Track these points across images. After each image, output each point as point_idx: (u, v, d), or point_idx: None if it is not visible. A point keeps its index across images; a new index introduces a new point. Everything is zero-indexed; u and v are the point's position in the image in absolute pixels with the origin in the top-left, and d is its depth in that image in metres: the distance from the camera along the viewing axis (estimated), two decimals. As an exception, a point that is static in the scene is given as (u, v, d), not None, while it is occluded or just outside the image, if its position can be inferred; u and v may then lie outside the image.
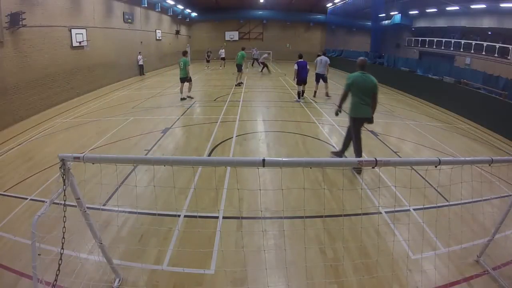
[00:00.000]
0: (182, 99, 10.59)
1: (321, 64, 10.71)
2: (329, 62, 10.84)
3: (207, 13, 29.32)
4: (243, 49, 14.50)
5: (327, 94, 11.39)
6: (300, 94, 10.53)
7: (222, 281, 2.74)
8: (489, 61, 15.73)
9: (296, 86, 10.57)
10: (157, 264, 2.91)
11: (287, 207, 3.92)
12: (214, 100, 10.96)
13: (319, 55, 10.97)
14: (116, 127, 7.43)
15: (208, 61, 22.75)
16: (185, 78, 10.45)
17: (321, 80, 11.01)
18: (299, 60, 10.18)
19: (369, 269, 2.88)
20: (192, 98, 10.87)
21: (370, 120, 5.05)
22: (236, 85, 13.66)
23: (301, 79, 10.14)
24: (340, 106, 5.36)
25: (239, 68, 13.94)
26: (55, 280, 2.06)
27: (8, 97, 7.92)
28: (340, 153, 5.48)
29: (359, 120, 5.05)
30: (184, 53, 10.52)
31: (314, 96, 11.25)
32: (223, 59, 22.35)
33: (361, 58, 5.15)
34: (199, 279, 2.78)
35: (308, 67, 10.22)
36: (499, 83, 9.98)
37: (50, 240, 2.29)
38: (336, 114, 5.52)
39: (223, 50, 22.92)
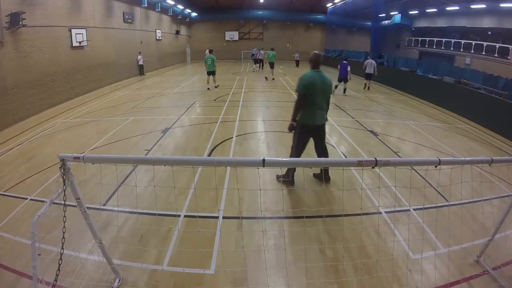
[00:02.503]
0: (208, 89, 12.59)
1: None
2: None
3: (207, 13, 29.32)
4: (272, 49, 16.74)
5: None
6: (344, 90, 12.46)
7: (222, 281, 2.74)
8: (489, 61, 15.72)
9: (337, 82, 12.38)
10: (157, 264, 2.91)
11: (287, 207, 3.92)
12: (214, 100, 10.96)
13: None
14: (116, 127, 7.43)
15: (257, 62, 21.62)
16: (213, 72, 12.36)
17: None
18: (343, 61, 12.08)
19: (369, 269, 2.88)
20: (217, 86, 12.77)
21: (323, 127, 4.31)
22: (272, 79, 15.80)
23: (340, 77, 12.15)
24: (295, 119, 4.15)
25: (272, 65, 16.15)
26: (55, 280, 2.06)
27: (8, 97, 7.92)
28: (289, 175, 4.46)
29: (312, 128, 4.17)
30: (211, 51, 12.76)
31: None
32: (260, 60, 21.46)
33: (316, 52, 4.18)
34: (199, 279, 2.78)
35: (349, 68, 11.90)
36: (499, 83, 10.00)
37: (50, 240, 2.29)
38: (291, 129, 4.24)
39: (257, 50, 22.62)
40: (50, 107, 9.52)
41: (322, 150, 4.37)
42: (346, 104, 10.74)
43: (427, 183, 4.35)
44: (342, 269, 2.88)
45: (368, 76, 13.58)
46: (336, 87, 12.25)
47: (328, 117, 4.43)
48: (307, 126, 4.15)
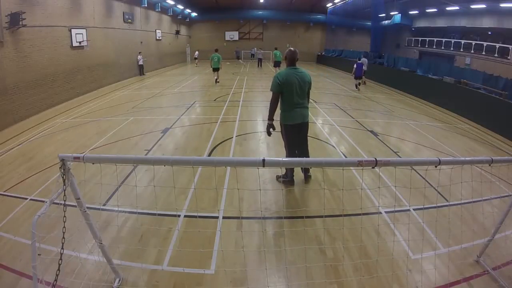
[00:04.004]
0: (217, 82, 14.37)
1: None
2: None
3: (207, 13, 29.31)
4: (276, 48, 17.64)
5: None
6: (356, 86, 13.89)
7: (222, 281, 2.74)
8: (489, 61, 15.73)
9: (354, 79, 14.00)
10: (157, 264, 2.91)
11: (287, 207, 3.92)
12: (214, 100, 10.96)
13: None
14: (116, 127, 7.43)
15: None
16: (218, 68, 13.99)
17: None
18: (358, 61, 13.68)
19: (369, 269, 2.88)
20: (218, 82, 14.40)
21: (306, 125, 4.23)
22: None
23: (357, 75, 13.64)
24: (272, 119, 4.09)
25: (278, 64, 16.93)
26: (55, 280, 2.06)
27: (8, 97, 7.92)
28: (288, 175, 4.46)
29: (294, 127, 4.12)
30: (216, 50, 14.39)
31: None
32: (260, 59, 24.04)
33: (291, 49, 4.11)
34: (199, 279, 2.78)
35: (364, 67, 13.83)
36: (499, 83, 10.00)
37: (50, 240, 2.29)
38: (269, 133, 4.16)
39: (259, 51, 24.58)
40: (50, 107, 9.52)
41: (303, 154, 4.28)
42: (346, 104, 10.75)
43: (427, 183, 4.35)
44: (342, 269, 2.88)
45: (364, 73, 15.36)
46: (359, 84, 14.12)
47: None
48: (289, 126, 4.12)
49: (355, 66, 13.61)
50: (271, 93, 4.15)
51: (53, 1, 9.85)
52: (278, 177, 4.59)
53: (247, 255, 2.99)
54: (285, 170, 4.51)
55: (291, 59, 4.07)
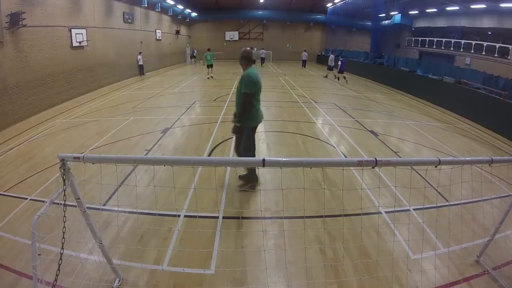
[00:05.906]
0: (208, 78, 16.04)
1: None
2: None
3: (207, 13, 29.29)
4: (208, 50, 18.62)
5: None
6: (339, 78, 16.57)
7: (222, 281, 2.74)
8: (489, 61, 15.72)
9: (338, 73, 16.71)
10: (157, 264, 2.91)
11: (287, 207, 3.92)
12: (214, 100, 10.96)
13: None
14: (116, 127, 7.43)
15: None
16: (211, 65, 15.97)
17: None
18: (341, 58, 16.69)
19: (369, 269, 2.88)
20: (212, 77, 16.12)
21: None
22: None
23: (341, 69, 16.28)
24: (240, 122, 3.93)
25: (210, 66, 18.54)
26: (55, 280, 2.06)
27: (8, 97, 7.91)
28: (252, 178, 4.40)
29: (256, 127, 4.16)
30: (209, 49, 16.57)
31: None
32: (262, 58, 24.44)
33: (248, 48, 4.08)
34: (199, 279, 2.78)
35: (331, 62, 17.64)
36: (499, 83, 10.00)
37: (50, 240, 2.29)
38: (237, 132, 4.00)
39: (262, 51, 24.84)
40: (50, 107, 9.52)
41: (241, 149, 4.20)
42: (346, 104, 10.75)
43: (427, 183, 4.35)
44: (342, 269, 2.88)
45: (329, 68, 18.26)
46: (336, 77, 16.86)
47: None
48: (254, 127, 4.10)
49: (339, 62, 16.49)
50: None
51: (53, 1, 9.84)
52: (242, 185, 4.37)
53: (247, 255, 2.99)
54: (249, 176, 4.35)
55: (250, 59, 3.99)
